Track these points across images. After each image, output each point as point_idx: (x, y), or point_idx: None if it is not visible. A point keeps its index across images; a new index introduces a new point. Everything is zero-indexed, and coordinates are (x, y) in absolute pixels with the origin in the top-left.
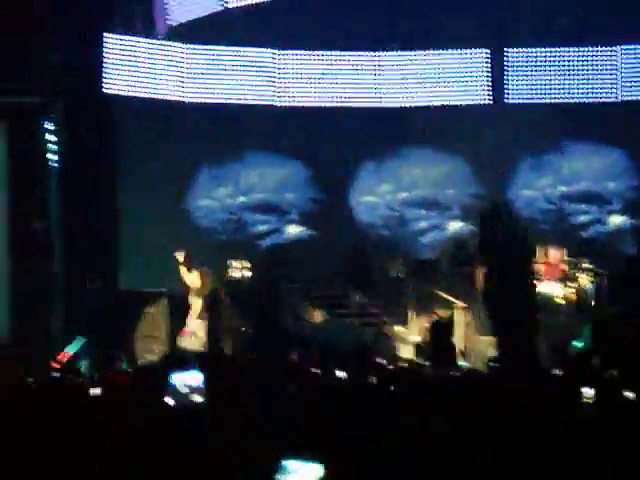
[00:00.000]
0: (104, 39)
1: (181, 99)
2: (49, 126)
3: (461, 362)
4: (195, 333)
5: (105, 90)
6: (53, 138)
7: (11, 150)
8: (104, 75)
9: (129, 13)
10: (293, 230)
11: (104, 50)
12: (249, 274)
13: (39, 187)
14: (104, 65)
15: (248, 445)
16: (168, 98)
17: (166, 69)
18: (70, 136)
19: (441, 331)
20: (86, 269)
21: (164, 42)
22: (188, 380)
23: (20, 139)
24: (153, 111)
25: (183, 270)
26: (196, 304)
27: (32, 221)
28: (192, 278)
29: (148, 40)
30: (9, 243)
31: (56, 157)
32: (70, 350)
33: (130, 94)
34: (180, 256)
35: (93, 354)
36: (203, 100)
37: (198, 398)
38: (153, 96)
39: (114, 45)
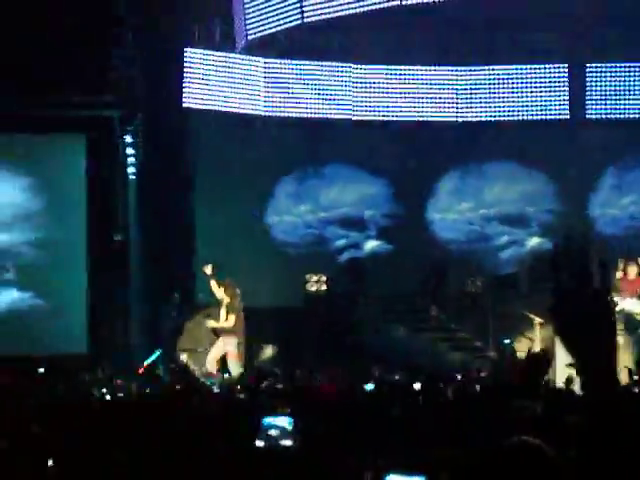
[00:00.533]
0: (184, 53)
1: (260, 113)
2: (129, 139)
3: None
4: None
5: (184, 104)
6: (132, 151)
7: (91, 163)
8: (184, 89)
9: (209, 27)
10: (372, 245)
11: (184, 64)
12: (328, 288)
13: (118, 200)
14: (184, 79)
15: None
16: (247, 112)
17: (245, 83)
18: (149, 150)
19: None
20: (164, 283)
21: (243, 56)
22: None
23: (100, 152)
24: (232, 125)
25: (212, 283)
26: (229, 318)
27: (110, 235)
28: (221, 291)
29: (227, 54)
30: (88, 257)
31: (135, 170)
32: (148, 363)
33: (209, 108)
34: (208, 269)
35: (171, 368)
36: (281, 114)
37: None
38: (232, 110)
39: (194, 59)
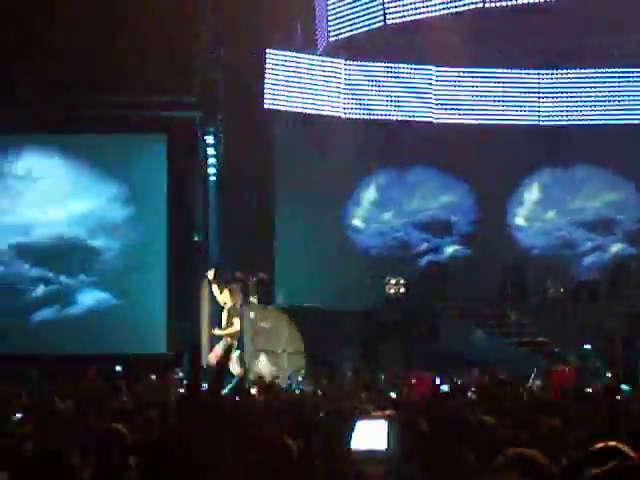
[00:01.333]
0: (266, 55)
1: (340, 115)
2: (209, 140)
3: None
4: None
5: (265, 105)
6: (213, 152)
7: (171, 163)
8: (265, 90)
9: (290, 29)
10: (453, 249)
11: (265, 65)
12: (407, 291)
13: (198, 201)
14: (265, 80)
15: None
16: (327, 114)
17: (326, 84)
18: (229, 150)
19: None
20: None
21: (324, 58)
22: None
23: (181, 153)
24: (312, 126)
25: (214, 288)
26: (233, 322)
27: (190, 236)
28: (225, 295)
29: (309, 56)
30: (168, 258)
31: (215, 171)
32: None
33: (289, 109)
34: (210, 274)
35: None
36: (362, 116)
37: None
38: (312, 111)
39: (275, 60)
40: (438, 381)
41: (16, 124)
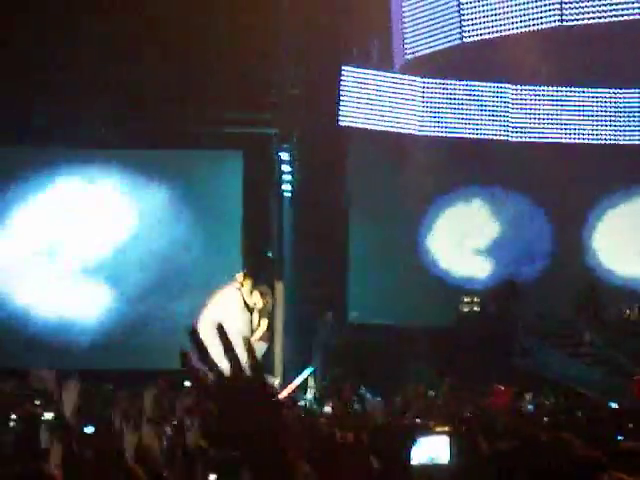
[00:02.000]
0: (341, 72)
1: (415, 132)
2: (285, 157)
3: None
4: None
5: (341, 122)
6: (288, 169)
7: (247, 179)
8: (340, 107)
9: (366, 46)
10: (529, 267)
11: (341, 83)
12: (482, 309)
13: (272, 217)
14: (340, 97)
15: None
16: (403, 131)
17: (401, 102)
18: (305, 167)
19: None
20: (316, 301)
21: (400, 75)
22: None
23: (257, 169)
24: (387, 144)
25: (245, 290)
26: (261, 323)
27: (264, 252)
28: (256, 297)
29: (385, 73)
30: (244, 268)
31: (290, 187)
32: (298, 380)
33: (365, 126)
34: (240, 277)
35: (324, 385)
36: (438, 134)
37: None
38: (387, 129)
39: (351, 78)
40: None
41: (101, 140)
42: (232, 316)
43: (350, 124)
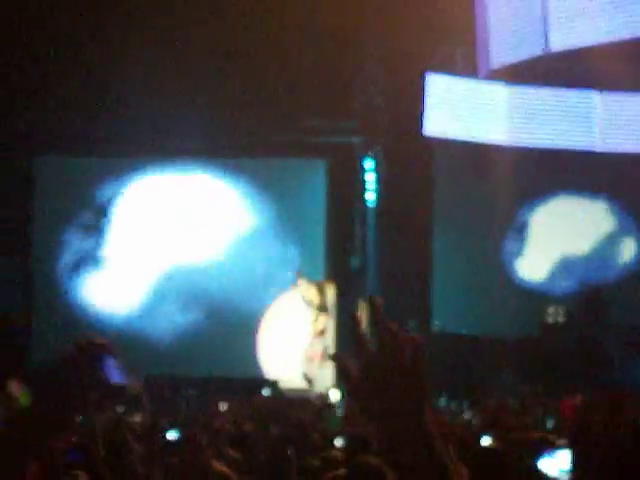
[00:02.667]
0: (426, 80)
1: (501, 141)
2: (369, 165)
3: None
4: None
5: (425, 130)
6: (372, 177)
7: (331, 187)
8: (425, 115)
9: (450, 54)
10: (615, 275)
11: (426, 91)
12: (567, 319)
13: (356, 225)
14: (425, 105)
15: None
16: (488, 140)
17: (487, 110)
18: (389, 176)
19: None
20: (399, 309)
21: (485, 83)
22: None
23: (340, 178)
24: (471, 152)
25: (304, 286)
26: (319, 319)
27: (348, 259)
28: (313, 292)
29: (469, 81)
30: (327, 278)
31: (374, 196)
32: None
33: (450, 135)
34: (298, 275)
35: None
36: (523, 143)
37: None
38: (472, 138)
39: (435, 86)
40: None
41: (188, 149)
42: (294, 313)
43: (434, 132)
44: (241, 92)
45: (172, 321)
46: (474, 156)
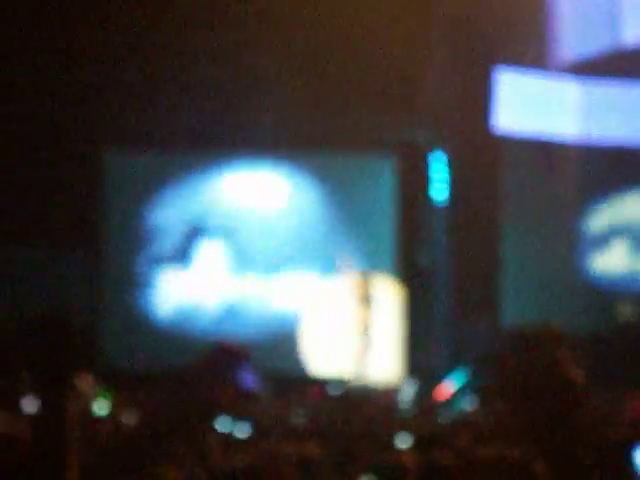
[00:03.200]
0: (496, 75)
1: (572, 138)
2: (437, 162)
3: None
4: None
5: (494, 125)
6: (440, 174)
7: (399, 184)
8: (494, 110)
9: (521, 48)
10: None
11: (495, 86)
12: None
13: (425, 222)
14: (495, 101)
15: None
16: (559, 135)
17: (557, 106)
18: (457, 173)
19: None
20: (469, 304)
21: (556, 79)
22: None
23: (407, 174)
24: (541, 149)
25: (351, 279)
26: (361, 312)
27: (417, 255)
28: (357, 285)
29: (540, 75)
30: (395, 277)
31: (443, 193)
32: (453, 384)
33: (519, 131)
34: (346, 267)
35: (477, 390)
36: (596, 139)
37: None
38: (542, 134)
39: (505, 81)
40: None
41: (261, 143)
42: (340, 305)
43: (504, 128)
44: (307, 88)
45: (245, 319)
46: (544, 152)
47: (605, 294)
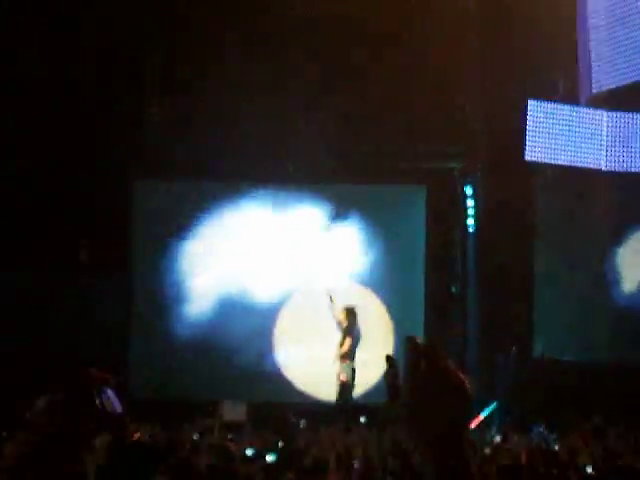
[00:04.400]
0: (526, 106)
1: (601, 168)
2: (469, 191)
3: None
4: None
5: (526, 156)
6: (472, 203)
7: (430, 213)
8: (526, 141)
9: (551, 80)
10: None
11: (526, 117)
12: None
13: (456, 252)
14: (526, 131)
15: None
16: (589, 166)
17: (588, 137)
18: (489, 202)
19: None
20: (500, 334)
21: (587, 109)
22: None
23: (440, 204)
24: (571, 179)
25: (335, 307)
26: (345, 342)
27: (448, 284)
28: (342, 315)
29: (571, 107)
30: (425, 306)
31: (474, 221)
32: (483, 415)
33: (549, 161)
34: (331, 295)
35: (506, 421)
36: (624, 169)
37: None
38: (572, 164)
39: (536, 112)
40: None
41: (289, 176)
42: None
43: (535, 158)
44: (340, 121)
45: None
46: (575, 181)
47: (638, 322)
